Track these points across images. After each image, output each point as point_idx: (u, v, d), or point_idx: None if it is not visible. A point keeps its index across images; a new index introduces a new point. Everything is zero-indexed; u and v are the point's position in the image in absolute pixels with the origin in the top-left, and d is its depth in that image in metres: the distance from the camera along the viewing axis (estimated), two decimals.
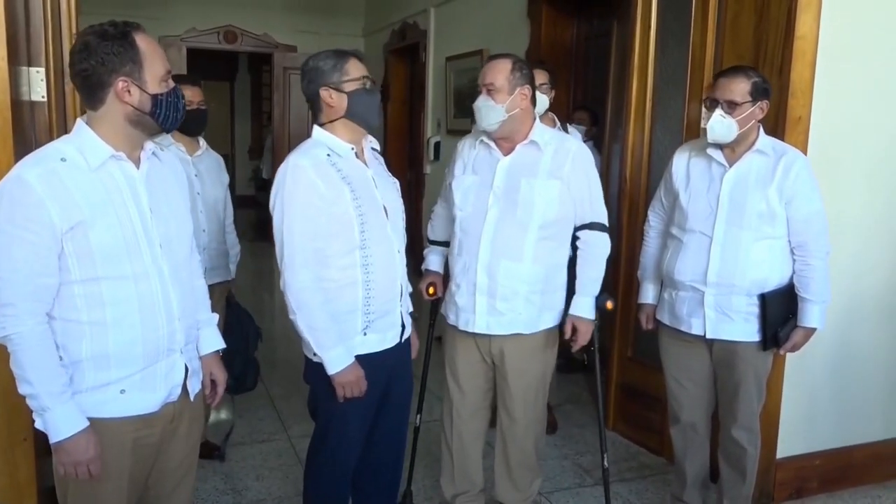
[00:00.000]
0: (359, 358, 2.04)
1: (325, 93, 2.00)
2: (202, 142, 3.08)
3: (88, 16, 2.39)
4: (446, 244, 2.59)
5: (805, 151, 2.75)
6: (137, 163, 1.62)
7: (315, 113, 2.06)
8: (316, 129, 2.07)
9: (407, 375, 2.27)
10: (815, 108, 2.75)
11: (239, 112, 11.82)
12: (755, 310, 2.41)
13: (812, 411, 2.99)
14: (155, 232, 1.61)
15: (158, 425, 1.66)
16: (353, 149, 2.05)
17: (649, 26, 3.32)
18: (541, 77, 3.26)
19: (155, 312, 1.60)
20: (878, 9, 2.84)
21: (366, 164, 2.09)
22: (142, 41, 1.55)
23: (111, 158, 1.56)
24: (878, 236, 3.00)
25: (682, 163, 2.54)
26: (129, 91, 1.54)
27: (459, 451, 2.56)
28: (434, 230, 2.69)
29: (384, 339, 2.10)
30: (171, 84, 1.61)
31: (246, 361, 3.20)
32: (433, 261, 2.69)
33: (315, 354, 2.03)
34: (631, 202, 3.46)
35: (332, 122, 2.03)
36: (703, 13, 3.03)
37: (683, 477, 2.68)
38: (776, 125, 2.71)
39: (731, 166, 2.41)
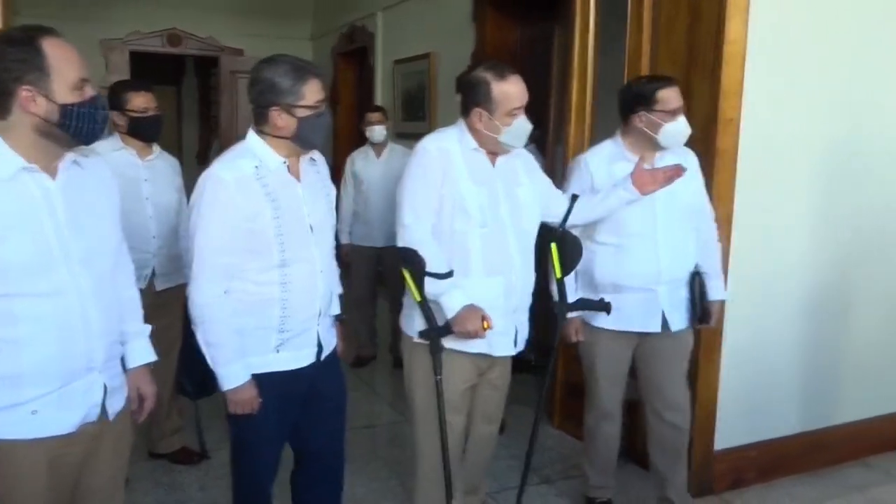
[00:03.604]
0: (272, 374, 1.99)
1: (275, 112, 1.89)
2: (155, 146, 3.05)
3: (25, 17, 2.34)
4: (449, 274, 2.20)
5: (736, 152, 2.85)
6: (56, 173, 1.54)
7: (256, 119, 1.95)
8: (251, 135, 1.96)
9: (333, 393, 2.18)
10: (746, 110, 2.84)
11: (186, 117, 11.60)
12: (687, 295, 2.60)
13: (748, 404, 3.08)
14: (74, 246, 1.53)
15: (79, 444, 1.59)
16: (285, 163, 1.95)
17: (588, 30, 3.38)
18: None
19: (72, 330, 1.53)
20: (804, 13, 2.93)
21: (298, 177, 1.99)
22: (50, 47, 1.46)
23: (22, 171, 1.48)
24: (808, 234, 3.11)
25: (603, 170, 2.56)
26: (34, 101, 1.45)
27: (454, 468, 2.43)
28: (437, 259, 2.18)
29: (298, 357, 2.03)
30: (89, 93, 1.52)
31: (207, 366, 3.14)
32: (461, 295, 2.19)
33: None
34: None
35: (273, 136, 1.94)
36: (638, 17, 3.10)
37: (610, 467, 2.82)
38: (708, 127, 2.79)
39: (654, 167, 2.53)
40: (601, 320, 2.59)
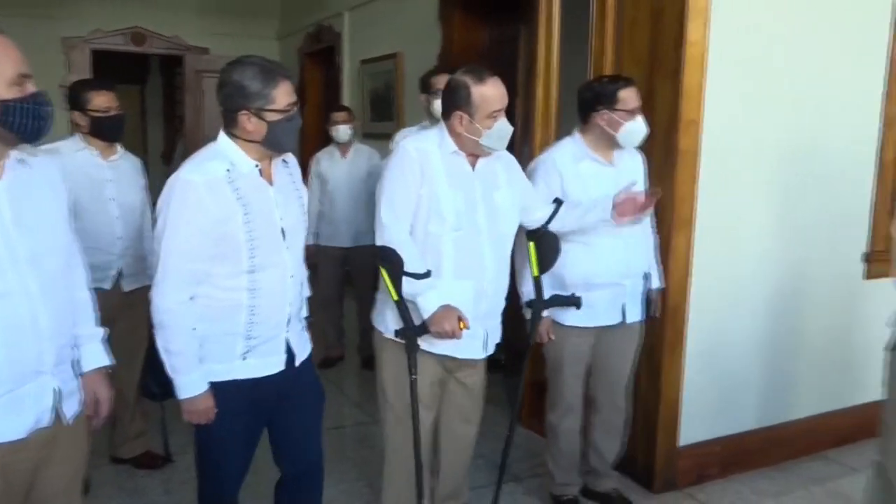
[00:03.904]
0: (238, 382, 1.95)
1: (243, 116, 1.85)
2: (118, 147, 3.02)
3: None
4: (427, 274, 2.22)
5: (698, 153, 2.90)
6: (1, 172, 1.50)
7: (226, 122, 1.91)
8: (223, 137, 1.92)
9: (308, 400, 2.15)
10: (707, 111, 2.89)
11: (151, 116, 11.44)
12: (643, 288, 2.75)
13: (710, 400, 3.13)
14: (20, 246, 1.50)
15: (31, 450, 1.55)
16: (257, 166, 1.92)
17: (552, 31, 3.41)
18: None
19: (20, 333, 1.49)
20: (763, 15, 2.99)
21: (270, 181, 1.96)
22: None
23: None
24: (767, 235, 3.17)
25: (570, 169, 2.61)
26: None
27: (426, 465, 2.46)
28: (415, 259, 2.19)
29: (266, 364, 1.98)
30: (30, 89, 1.47)
31: None
32: (437, 295, 2.21)
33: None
34: None
35: (243, 139, 1.90)
36: (601, 19, 3.13)
37: (574, 463, 2.88)
38: (670, 127, 2.84)
39: (612, 166, 2.63)
40: (571, 318, 2.64)
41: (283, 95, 1.86)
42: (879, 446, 2.31)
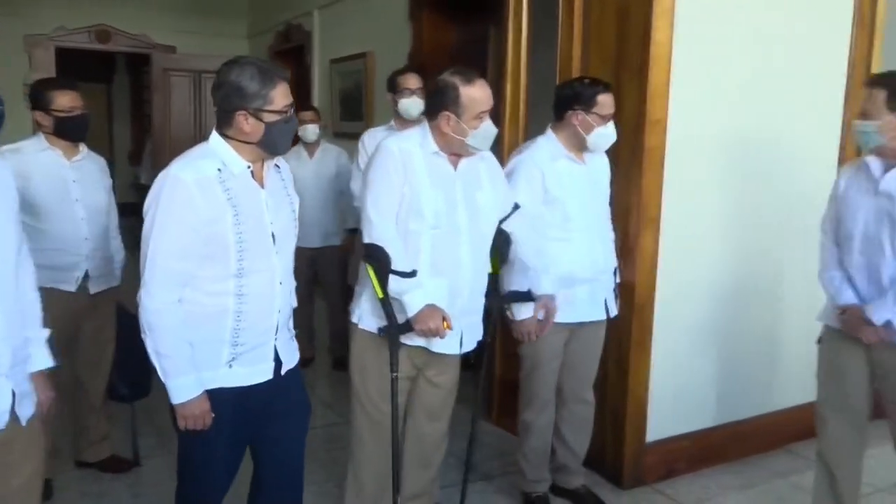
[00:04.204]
0: (223, 390, 1.90)
1: (241, 116, 1.82)
2: (82, 146, 2.97)
3: None
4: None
5: (664, 152, 2.93)
6: None
7: (221, 122, 1.88)
8: (215, 136, 1.88)
9: (294, 411, 2.11)
10: (673, 110, 2.93)
11: (117, 116, 11.29)
12: (614, 283, 2.82)
13: (677, 396, 3.17)
14: None
15: None
16: (249, 167, 1.88)
17: (520, 31, 3.43)
18: (415, 82, 3.34)
19: None
20: (728, 14, 3.03)
21: (262, 183, 1.93)
22: None
23: None
24: (730, 232, 3.22)
25: (549, 168, 2.65)
26: None
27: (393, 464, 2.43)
28: (402, 257, 2.21)
29: (253, 372, 1.94)
30: None
31: (141, 368, 3.05)
32: (423, 294, 2.23)
33: None
34: None
35: (237, 140, 1.87)
36: (569, 19, 3.15)
37: (545, 460, 2.90)
38: (637, 127, 2.87)
39: (584, 165, 2.69)
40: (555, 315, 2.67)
41: (280, 96, 1.84)
42: (818, 437, 2.51)
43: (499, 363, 3.66)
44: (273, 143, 1.88)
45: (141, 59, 8.36)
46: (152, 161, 7.80)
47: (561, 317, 2.66)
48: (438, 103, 2.24)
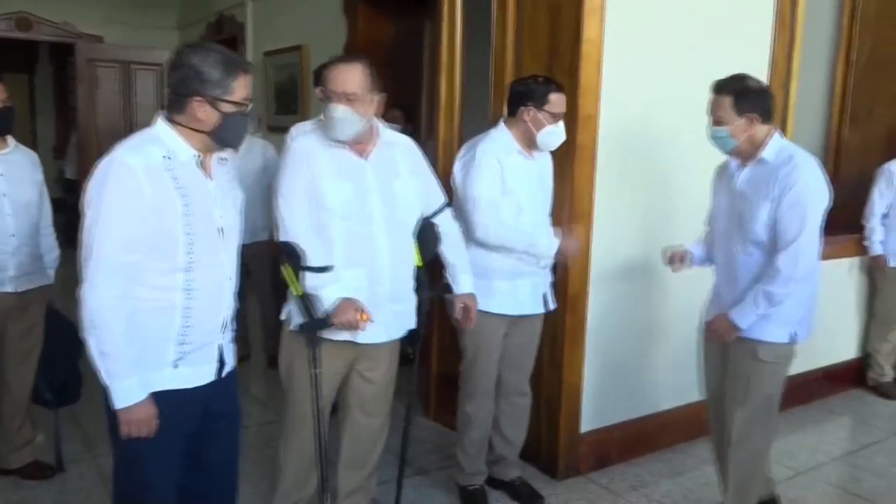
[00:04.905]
0: (167, 393, 1.80)
1: (196, 102, 1.75)
2: (10, 139, 2.86)
3: None
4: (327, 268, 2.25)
5: (595, 148, 2.98)
6: None
7: (172, 106, 1.78)
8: (161, 123, 1.79)
9: (229, 411, 2.04)
10: (604, 107, 2.98)
11: (41, 108, 10.84)
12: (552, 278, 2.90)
13: (609, 387, 3.24)
14: None
15: None
16: (197, 156, 1.81)
17: (455, 27, 3.44)
18: None
19: None
20: (657, 12, 3.10)
21: (210, 174, 1.85)
22: None
23: None
24: (662, 225, 3.29)
25: (506, 161, 2.67)
26: None
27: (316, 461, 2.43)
28: (316, 253, 2.22)
29: (197, 373, 1.86)
30: None
31: (69, 372, 2.95)
32: (338, 288, 2.24)
33: None
34: None
35: (188, 127, 1.79)
36: (502, 16, 3.18)
37: (483, 452, 2.93)
38: (569, 123, 2.90)
39: (534, 161, 2.75)
40: (496, 306, 2.72)
41: (241, 88, 1.79)
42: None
43: (436, 357, 3.66)
44: (226, 135, 1.82)
45: (66, 48, 8.05)
46: (77, 155, 7.52)
47: (503, 308, 2.72)
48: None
